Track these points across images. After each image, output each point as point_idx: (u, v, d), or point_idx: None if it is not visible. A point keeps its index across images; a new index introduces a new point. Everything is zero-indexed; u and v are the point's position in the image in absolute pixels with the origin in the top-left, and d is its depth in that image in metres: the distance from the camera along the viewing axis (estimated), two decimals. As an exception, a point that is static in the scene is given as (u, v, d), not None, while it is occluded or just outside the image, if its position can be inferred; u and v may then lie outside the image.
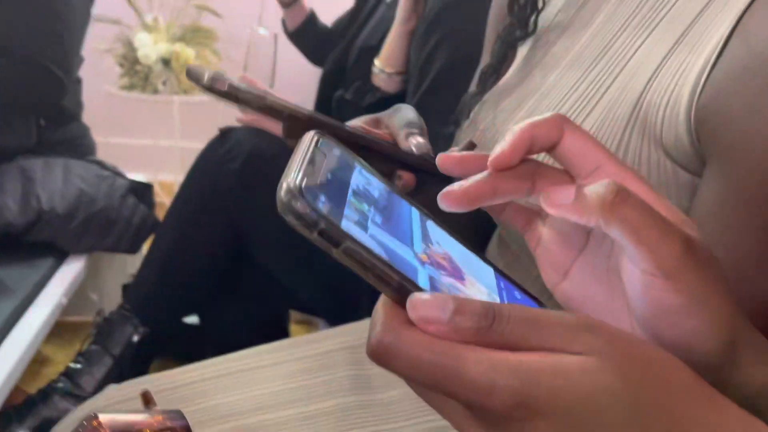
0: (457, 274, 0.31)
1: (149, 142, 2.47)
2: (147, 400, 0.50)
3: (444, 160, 0.33)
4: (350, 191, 0.30)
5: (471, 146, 0.51)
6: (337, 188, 0.30)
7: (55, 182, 1.40)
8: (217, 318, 1.43)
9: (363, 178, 0.32)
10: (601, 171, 0.32)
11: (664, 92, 0.45)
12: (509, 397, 0.26)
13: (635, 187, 0.32)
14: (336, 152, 0.32)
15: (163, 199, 2.13)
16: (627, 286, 0.31)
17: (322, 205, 0.27)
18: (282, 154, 1.35)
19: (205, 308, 1.40)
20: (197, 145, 1.36)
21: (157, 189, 1.77)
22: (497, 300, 0.32)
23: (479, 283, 0.32)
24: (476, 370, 0.26)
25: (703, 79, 0.42)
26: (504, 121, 0.58)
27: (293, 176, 0.28)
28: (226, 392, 0.68)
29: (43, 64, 1.36)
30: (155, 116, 2.48)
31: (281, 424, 0.64)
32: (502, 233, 0.68)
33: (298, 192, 0.27)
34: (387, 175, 0.46)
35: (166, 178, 2.29)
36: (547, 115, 0.33)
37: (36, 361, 1.63)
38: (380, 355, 0.27)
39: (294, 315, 1.64)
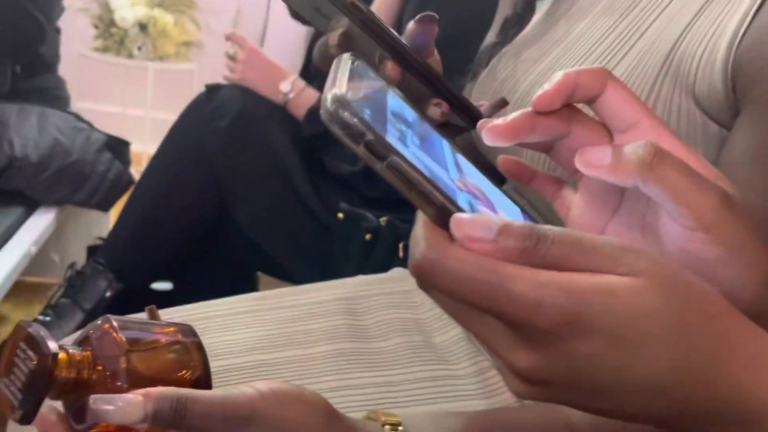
0: (490, 206, 0.32)
1: (118, 110, 2.41)
2: (153, 315, 0.48)
3: (493, 130, 0.33)
4: (389, 111, 0.30)
5: (503, 103, 0.51)
6: (377, 106, 0.30)
7: (29, 130, 1.36)
8: (188, 281, 1.41)
9: (397, 102, 0.33)
10: (639, 127, 0.33)
11: (701, 41, 0.45)
12: (557, 314, 0.26)
13: (671, 144, 0.33)
14: (371, 75, 0.32)
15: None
16: (666, 241, 0.32)
17: (369, 117, 0.27)
18: (272, 116, 1.34)
19: (178, 271, 1.38)
20: (170, 116, 1.33)
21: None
22: None
23: (508, 217, 0.33)
24: (524, 287, 0.26)
25: (743, 27, 0.43)
26: (525, 72, 0.58)
27: (338, 86, 0.28)
28: (219, 332, 0.67)
29: (24, 7, 1.32)
30: (127, 83, 2.42)
31: (276, 365, 0.63)
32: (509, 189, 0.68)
33: (345, 101, 0.27)
34: (420, 103, 0.46)
35: (134, 149, 2.23)
36: (593, 67, 0.34)
37: (-8, 320, 1.58)
38: (425, 271, 0.27)
39: (262, 282, 1.63)
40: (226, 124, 1.19)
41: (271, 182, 1.21)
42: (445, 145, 0.33)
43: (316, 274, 1.23)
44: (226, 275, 1.38)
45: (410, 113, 0.33)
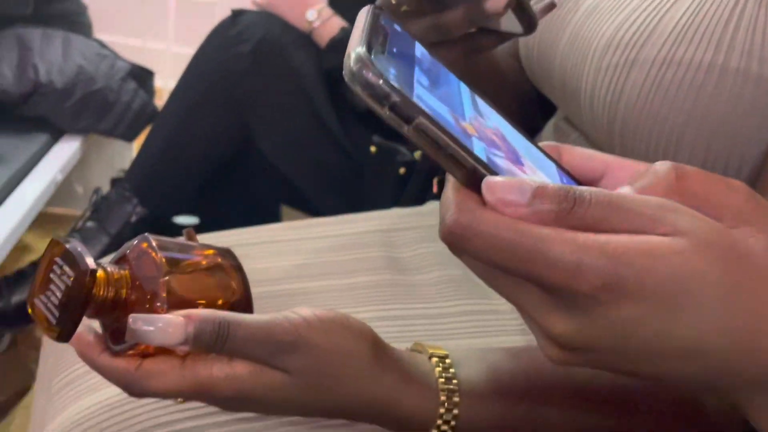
0: (530, 171, 0.30)
1: (138, 43, 2.36)
2: (191, 238, 0.47)
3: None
4: (416, 68, 0.28)
5: (551, 6, 0.49)
6: (403, 63, 0.28)
7: (54, 55, 1.33)
8: (213, 214, 1.40)
9: (424, 57, 0.30)
10: (610, 172, 0.32)
11: None
12: (596, 277, 0.25)
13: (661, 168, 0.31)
14: (397, 29, 0.30)
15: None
16: None
17: (393, 77, 0.26)
18: (298, 44, 1.31)
19: (203, 203, 1.37)
20: (191, 50, 1.29)
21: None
22: None
23: (539, 171, 0.31)
24: (562, 249, 0.25)
25: None
26: None
27: (361, 45, 0.26)
28: (259, 259, 0.66)
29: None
30: (147, 14, 2.37)
31: (314, 293, 0.62)
32: (559, 123, 0.66)
33: (369, 61, 0.25)
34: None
35: (155, 83, 2.19)
36: (545, 143, 0.33)
37: (16, 249, 1.59)
38: (457, 236, 0.26)
39: (286, 216, 1.62)
40: (249, 49, 1.16)
41: (295, 111, 1.18)
42: (481, 103, 0.32)
43: (342, 208, 1.22)
44: (251, 208, 1.37)
45: (442, 70, 0.31)
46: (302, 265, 0.66)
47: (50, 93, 1.30)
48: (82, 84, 1.34)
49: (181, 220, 1.48)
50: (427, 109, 0.26)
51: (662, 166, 0.28)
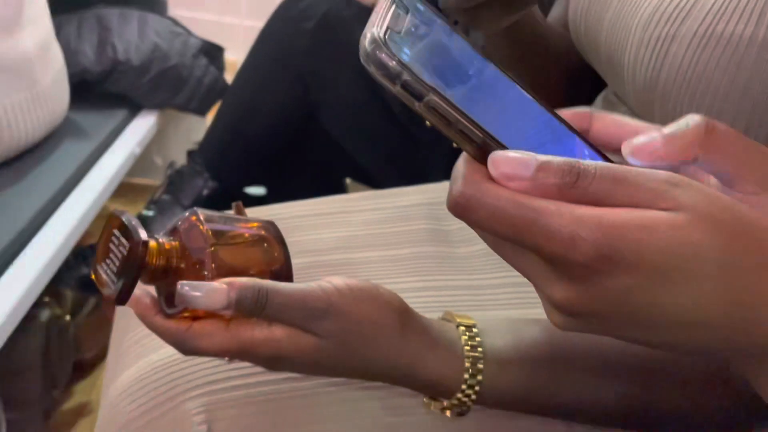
0: (549, 139, 0.31)
1: (213, 17, 2.42)
2: (239, 211, 0.50)
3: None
4: (434, 46, 0.30)
5: None
6: (420, 42, 0.29)
7: (130, 34, 1.39)
8: (280, 186, 1.44)
9: (445, 35, 0.31)
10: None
11: None
12: (592, 248, 0.26)
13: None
14: (420, 7, 0.31)
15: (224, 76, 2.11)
16: None
17: (406, 56, 0.27)
18: (359, 19, 1.32)
19: (270, 175, 1.41)
20: (263, 25, 1.32)
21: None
22: None
23: (560, 147, 0.32)
24: (559, 221, 0.26)
25: None
26: None
27: (377, 26, 0.27)
28: (310, 230, 0.69)
29: None
30: (222, -10, 2.43)
31: (360, 263, 0.65)
32: (609, 96, 0.65)
33: (383, 42, 0.27)
34: None
35: (229, 57, 2.25)
36: (575, 109, 0.33)
37: (101, 217, 1.70)
38: (461, 206, 0.27)
39: (351, 189, 1.65)
40: (312, 25, 1.18)
41: (355, 85, 1.20)
42: (500, 78, 0.32)
43: (399, 181, 1.24)
44: (317, 181, 1.41)
45: (465, 47, 0.32)
46: (350, 237, 0.68)
47: (128, 70, 1.37)
48: (157, 61, 1.40)
49: (250, 190, 1.54)
50: (437, 87, 0.27)
51: (694, 117, 0.28)
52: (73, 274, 1.20)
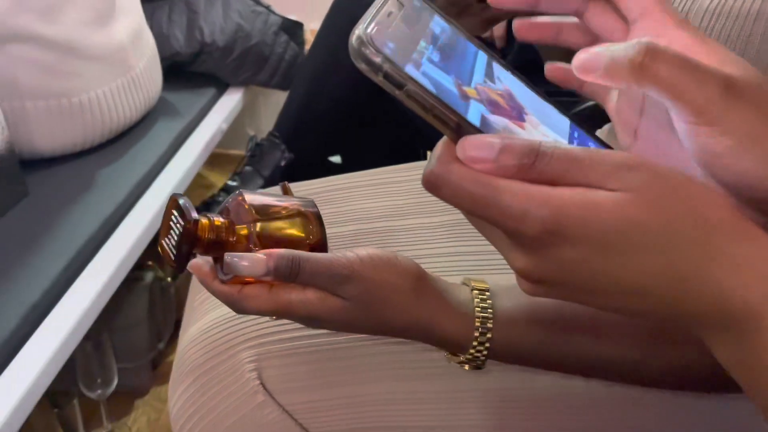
0: (532, 127, 0.33)
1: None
2: (285, 190, 0.55)
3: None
4: (424, 39, 0.32)
5: None
6: (410, 36, 0.32)
7: (215, 16, 1.48)
8: (356, 157, 1.50)
9: (440, 28, 0.34)
10: (647, 16, 0.33)
11: None
12: (540, 224, 0.29)
13: (674, 34, 0.32)
14: (416, 3, 0.34)
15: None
16: (681, 138, 0.32)
17: (390, 51, 0.30)
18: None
19: (345, 146, 1.47)
20: None
21: (308, 36, 1.82)
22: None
23: (544, 126, 0.34)
24: (511, 199, 0.29)
25: None
26: None
27: (365, 24, 0.30)
28: (356, 200, 0.74)
29: None
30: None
31: (399, 231, 0.70)
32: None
33: (367, 40, 0.30)
34: None
35: (316, 27, 2.30)
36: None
37: (199, 186, 1.83)
38: (431, 184, 0.31)
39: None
40: None
41: None
42: (484, 59, 0.35)
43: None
44: (393, 152, 1.45)
45: (459, 39, 0.34)
46: (396, 206, 0.73)
47: (214, 51, 1.46)
48: (241, 41, 1.48)
49: (332, 159, 1.60)
50: (416, 77, 0.30)
51: (641, 40, 0.30)
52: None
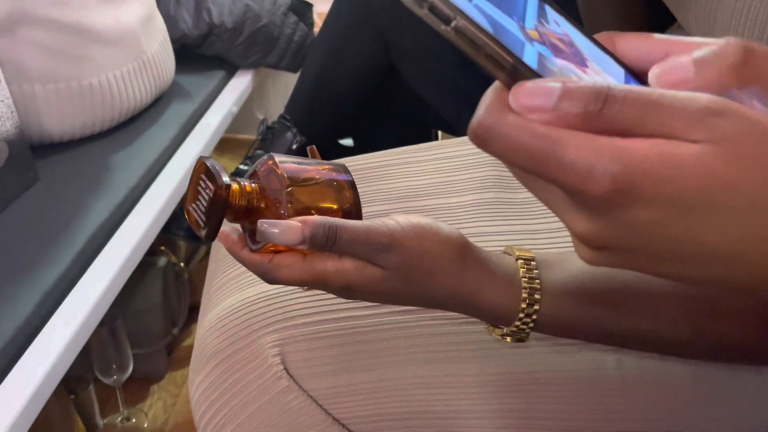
0: (594, 74, 0.29)
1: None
2: (313, 154, 0.52)
3: None
4: None
5: None
6: None
7: (223, -3, 1.46)
8: (369, 138, 1.49)
9: None
10: (672, 54, 0.29)
11: None
12: (608, 182, 0.25)
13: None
14: None
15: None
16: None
17: None
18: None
19: (357, 128, 1.46)
20: None
21: (315, 19, 1.80)
22: None
23: (606, 74, 0.30)
24: (576, 153, 0.25)
25: None
26: None
27: None
28: (374, 182, 0.73)
29: None
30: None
31: (423, 211, 0.68)
32: (674, 32, 0.64)
33: None
34: None
35: (323, 9, 2.28)
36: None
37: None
38: (479, 136, 0.27)
39: (442, 139, 1.67)
40: None
41: (435, 36, 1.21)
42: (550, 11, 0.31)
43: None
44: (404, 133, 1.44)
45: None
46: (419, 186, 0.72)
47: (223, 33, 1.44)
48: (249, 22, 1.46)
49: (343, 142, 1.59)
50: (467, 11, 0.26)
51: (730, 39, 0.26)
52: (181, 224, 1.31)
